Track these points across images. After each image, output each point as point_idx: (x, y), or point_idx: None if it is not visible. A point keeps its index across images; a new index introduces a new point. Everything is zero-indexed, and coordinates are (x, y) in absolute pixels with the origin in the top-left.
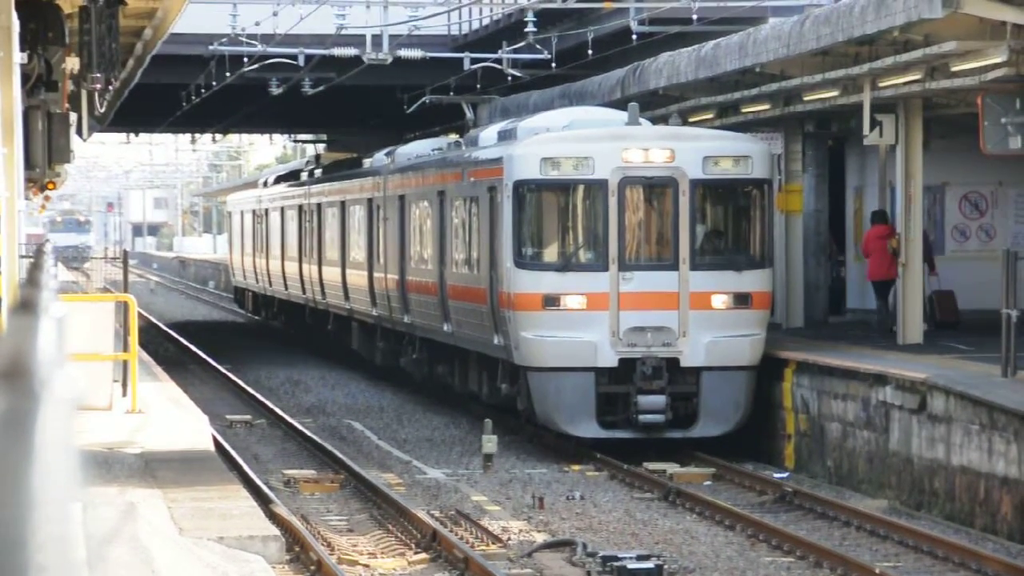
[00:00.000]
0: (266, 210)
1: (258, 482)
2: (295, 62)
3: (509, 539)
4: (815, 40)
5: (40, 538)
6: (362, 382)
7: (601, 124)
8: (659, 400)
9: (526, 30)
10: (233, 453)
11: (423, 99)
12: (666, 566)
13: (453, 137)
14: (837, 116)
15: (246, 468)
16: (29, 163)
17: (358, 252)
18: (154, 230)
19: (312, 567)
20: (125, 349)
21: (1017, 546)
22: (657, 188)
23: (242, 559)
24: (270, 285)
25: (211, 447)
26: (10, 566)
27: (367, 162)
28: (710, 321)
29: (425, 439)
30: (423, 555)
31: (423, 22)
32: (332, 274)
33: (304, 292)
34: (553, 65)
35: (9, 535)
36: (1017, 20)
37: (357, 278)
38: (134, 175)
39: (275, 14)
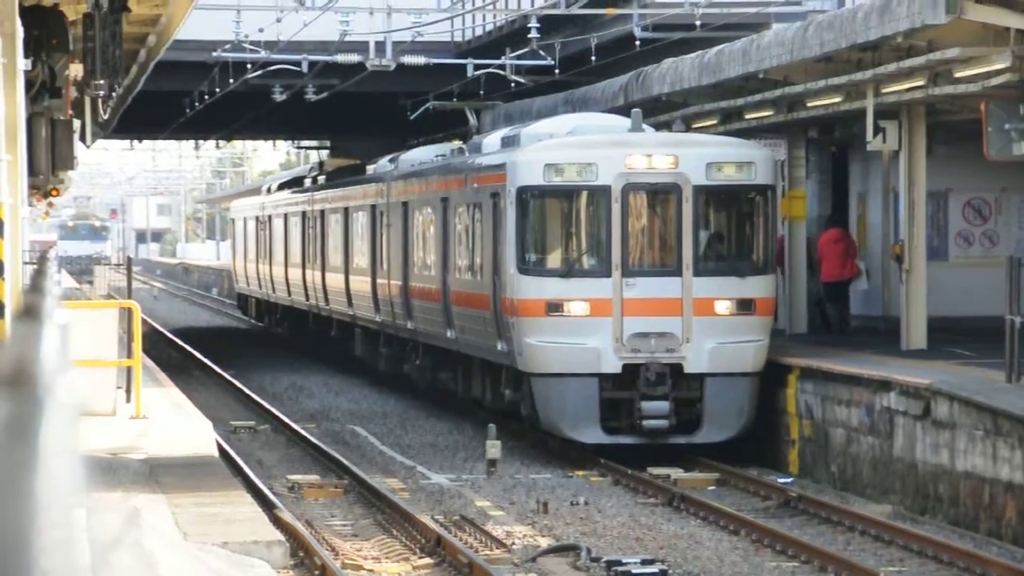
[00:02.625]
0: (269, 216)
1: (262, 487)
2: (298, 68)
3: (513, 544)
4: (818, 46)
5: (44, 543)
6: (366, 388)
7: (604, 130)
8: (663, 406)
9: (529, 36)
10: (237, 458)
11: (426, 105)
12: (670, 571)
13: (456, 143)
14: (840, 122)
15: (250, 473)
16: (33, 170)
17: (361, 258)
18: (157, 236)
19: (316, 572)
20: (129, 355)
21: (1021, 551)
22: (660, 194)
23: (246, 564)
24: (273, 291)
25: (215, 452)
26: (15, 571)
27: (370, 168)
28: (713, 327)
29: (429, 444)
30: (427, 560)
31: (426, 28)
32: (335, 280)
33: (307, 298)
34: (556, 71)
35: (14, 540)
36: (1020, 26)
37: (360, 284)
38: (137, 181)
39: (279, 21)
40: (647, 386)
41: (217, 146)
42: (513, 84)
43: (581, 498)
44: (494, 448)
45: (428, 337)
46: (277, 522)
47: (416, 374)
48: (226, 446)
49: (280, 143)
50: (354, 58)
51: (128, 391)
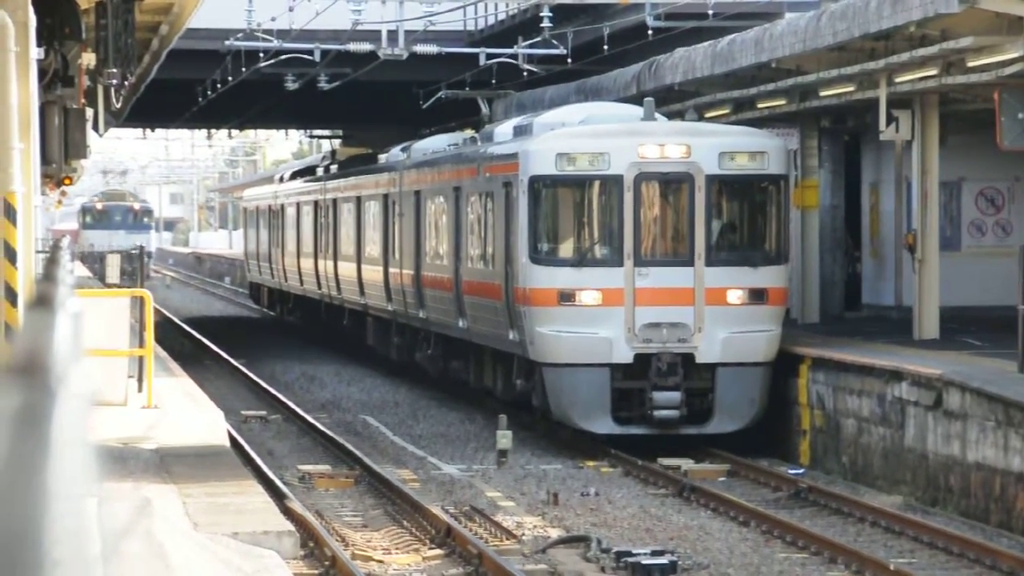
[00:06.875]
0: (282, 206)
1: (273, 478)
2: (311, 57)
3: (523, 535)
4: (831, 35)
5: (56, 533)
6: (377, 378)
7: (617, 119)
8: (674, 396)
9: (542, 25)
10: (248, 448)
11: (439, 94)
12: (680, 562)
13: (469, 132)
14: (853, 111)
15: (261, 464)
16: (45, 159)
17: (373, 248)
18: (170, 225)
19: (326, 563)
20: (141, 344)
21: None
22: (673, 184)
23: (256, 554)
24: (285, 281)
25: (226, 442)
26: (26, 561)
27: (382, 158)
28: (725, 317)
29: (440, 435)
30: (437, 551)
31: (439, 17)
32: (347, 270)
33: (319, 288)
34: (569, 60)
35: (25, 530)
36: None
37: (372, 274)
38: (150, 170)
39: (291, 9)
40: (658, 376)
41: (230, 135)
42: (525, 73)
43: (591, 489)
44: (505, 438)
45: (440, 326)
46: (287, 512)
47: (428, 364)
48: (237, 436)
49: (293, 132)
50: (366, 47)
51: (140, 380)
